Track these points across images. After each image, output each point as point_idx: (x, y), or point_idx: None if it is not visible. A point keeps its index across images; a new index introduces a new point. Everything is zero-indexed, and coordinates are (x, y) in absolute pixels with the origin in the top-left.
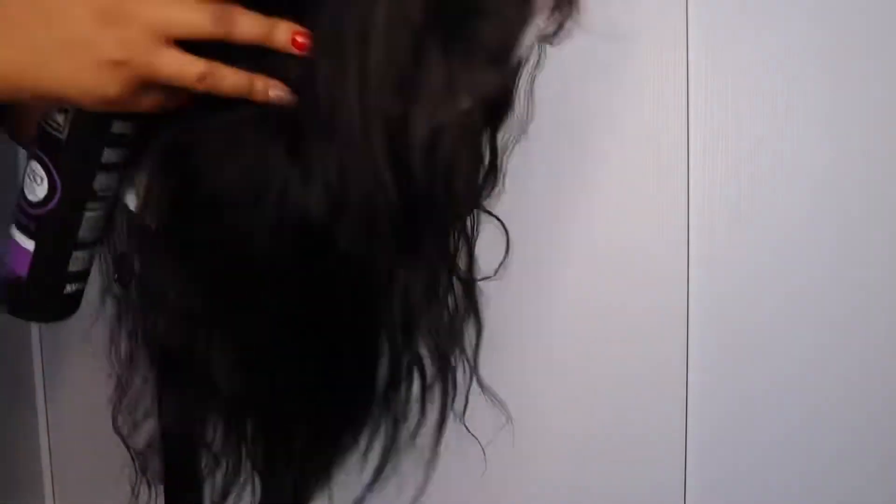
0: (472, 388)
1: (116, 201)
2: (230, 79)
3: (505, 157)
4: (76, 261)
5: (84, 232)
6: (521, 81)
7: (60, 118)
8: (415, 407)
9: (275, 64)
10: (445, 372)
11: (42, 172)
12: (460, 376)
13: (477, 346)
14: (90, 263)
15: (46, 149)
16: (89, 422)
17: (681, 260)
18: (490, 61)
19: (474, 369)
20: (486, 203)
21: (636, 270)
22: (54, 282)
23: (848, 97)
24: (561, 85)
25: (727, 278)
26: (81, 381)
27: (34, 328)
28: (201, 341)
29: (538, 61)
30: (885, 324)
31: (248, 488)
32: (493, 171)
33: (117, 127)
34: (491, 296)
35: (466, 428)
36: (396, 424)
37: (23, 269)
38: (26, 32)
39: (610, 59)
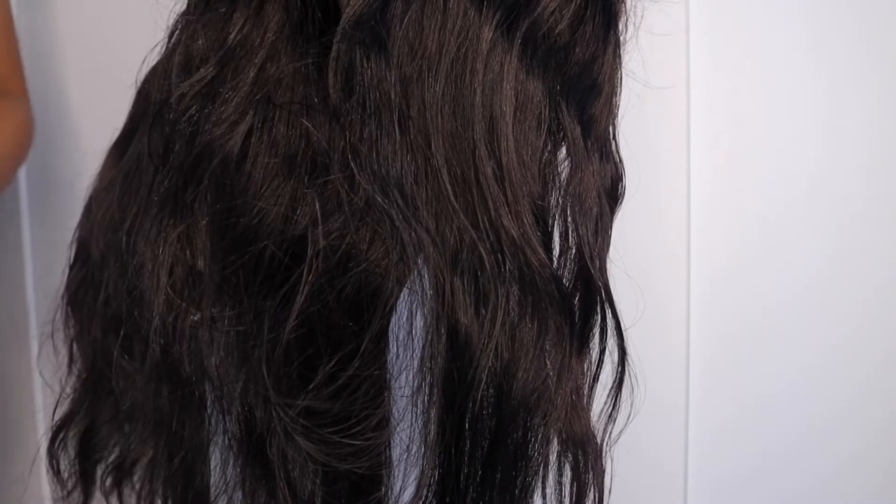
0: None
1: None
2: None
3: None
4: None
5: None
6: None
7: None
8: None
9: None
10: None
11: None
12: None
13: None
14: None
15: None
16: None
17: (681, 260)
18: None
19: None
20: None
21: (636, 270)
22: None
23: (848, 97)
24: None
25: (727, 278)
26: None
27: (32, 321)
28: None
29: None
30: (888, 323)
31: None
32: None
33: None
34: None
35: None
36: None
37: None
38: None
39: None
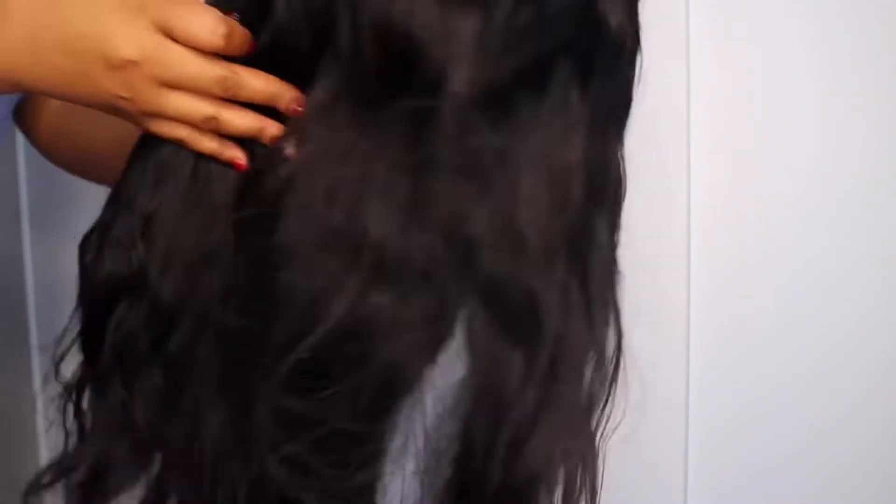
0: None
1: None
2: (238, 122)
3: None
4: None
5: None
6: None
7: None
8: None
9: None
10: None
11: None
12: None
13: None
14: None
15: None
16: None
17: (681, 260)
18: None
19: None
20: None
21: (636, 270)
22: None
23: (848, 96)
24: None
25: (728, 278)
26: None
27: (31, 322)
28: None
29: None
30: (888, 323)
31: None
32: None
33: None
34: None
35: None
36: None
37: None
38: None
39: None
